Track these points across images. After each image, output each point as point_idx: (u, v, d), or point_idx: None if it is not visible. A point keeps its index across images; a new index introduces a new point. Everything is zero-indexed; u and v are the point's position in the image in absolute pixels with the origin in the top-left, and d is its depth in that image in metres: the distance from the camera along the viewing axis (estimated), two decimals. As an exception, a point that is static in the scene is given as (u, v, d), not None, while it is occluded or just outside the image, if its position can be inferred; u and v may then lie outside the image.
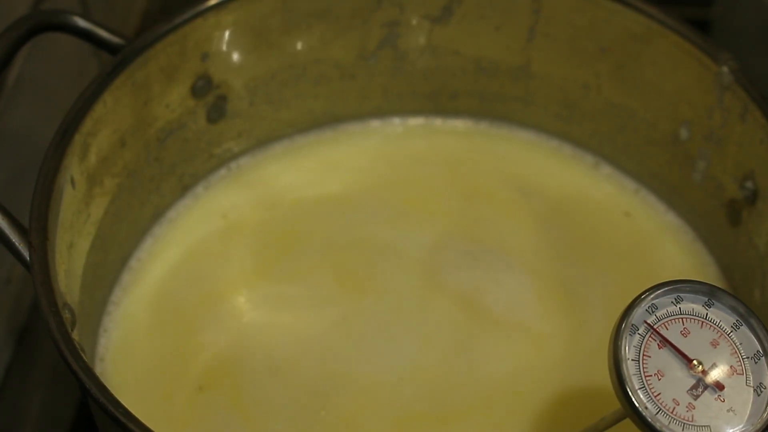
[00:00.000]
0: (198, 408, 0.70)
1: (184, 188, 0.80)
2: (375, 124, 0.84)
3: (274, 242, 0.78)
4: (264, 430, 0.69)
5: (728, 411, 0.57)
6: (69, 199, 0.68)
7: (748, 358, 0.58)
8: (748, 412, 0.57)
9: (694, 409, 0.56)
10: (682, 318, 0.58)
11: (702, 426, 0.56)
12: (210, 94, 0.78)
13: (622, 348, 0.57)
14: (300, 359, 0.72)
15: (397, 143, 0.84)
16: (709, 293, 0.59)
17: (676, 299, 0.58)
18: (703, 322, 0.58)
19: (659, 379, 0.57)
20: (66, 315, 0.63)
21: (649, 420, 0.56)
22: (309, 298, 0.75)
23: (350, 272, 0.76)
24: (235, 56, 0.77)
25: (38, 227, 0.64)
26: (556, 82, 0.81)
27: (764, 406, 0.57)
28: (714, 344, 0.58)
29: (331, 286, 0.75)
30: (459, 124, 0.85)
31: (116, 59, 0.71)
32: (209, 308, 0.74)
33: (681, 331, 0.58)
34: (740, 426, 0.57)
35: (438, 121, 0.85)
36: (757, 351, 0.58)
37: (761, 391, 0.57)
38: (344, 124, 0.84)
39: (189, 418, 0.70)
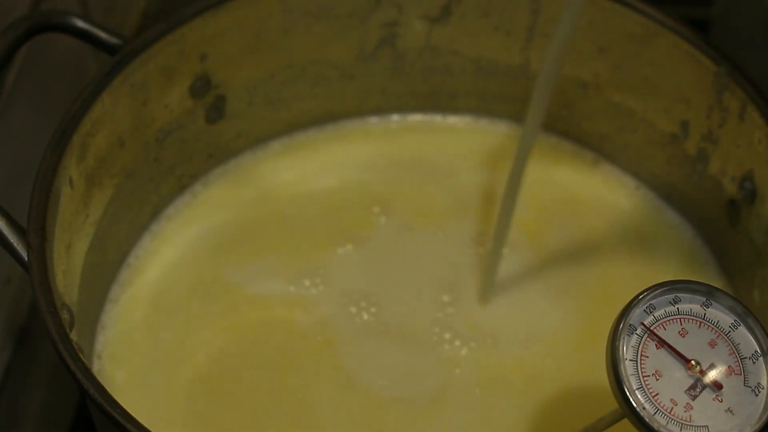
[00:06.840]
0: (196, 406, 0.70)
1: (182, 188, 0.80)
2: (374, 121, 0.84)
3: (272, 240, 0.78)
4: (263, 428, 0.70)
5: (726, 411, 0.57)
6: (67, 199, 0.68)
7: (746, 358, 0.58)
8: (746, 412, 0.57)
9: (692, 409, 0.56)
10: (679, 318, 0.58)
11: (700, 426, 0.56)
12: (209, 95, 0.78)
13: (620, 348, 0.57)
14: (299, 357, 0.72)
15: (396, 140, 0.84)
16: (707, 293, 0.59)
17: (673, 299, 0.58)
18: (701, 322, 0.58)
19: (657, 380, 0.57)
20: (64, 315, 0.63)
21: (647, 420, 0.56)
22: (308, 295, 0.75)
23: (350, 270, 0.76)
24: (234, 57, 0.77)
25: (36, 228, 0.64)
26: (555, 82, 0.81)
27: (762, 406, 0.57)
28: (712, 344, 0.58)
29: (331, 284, 0.75)
30: (458, 122, 0.85)
31: (114, 60, 0.71)
32: (207, 306, 0.74)
33: (679, 332, 0.58)
34: (738, 426, 0.56)
35: (437, 119, 0.85)
36: (755, 351, 0.58)
37: (759, 391, 0.57)
38: (343, 121, 0.84)
39: (187, 417, 0.70)
